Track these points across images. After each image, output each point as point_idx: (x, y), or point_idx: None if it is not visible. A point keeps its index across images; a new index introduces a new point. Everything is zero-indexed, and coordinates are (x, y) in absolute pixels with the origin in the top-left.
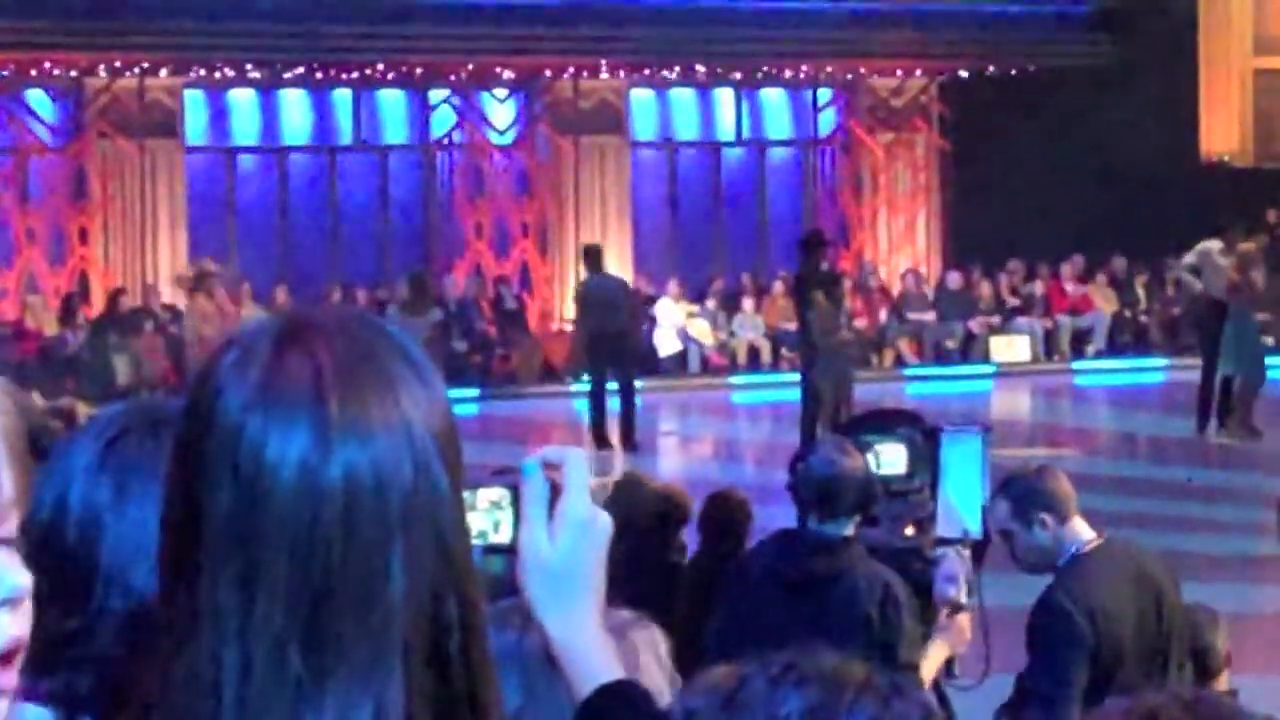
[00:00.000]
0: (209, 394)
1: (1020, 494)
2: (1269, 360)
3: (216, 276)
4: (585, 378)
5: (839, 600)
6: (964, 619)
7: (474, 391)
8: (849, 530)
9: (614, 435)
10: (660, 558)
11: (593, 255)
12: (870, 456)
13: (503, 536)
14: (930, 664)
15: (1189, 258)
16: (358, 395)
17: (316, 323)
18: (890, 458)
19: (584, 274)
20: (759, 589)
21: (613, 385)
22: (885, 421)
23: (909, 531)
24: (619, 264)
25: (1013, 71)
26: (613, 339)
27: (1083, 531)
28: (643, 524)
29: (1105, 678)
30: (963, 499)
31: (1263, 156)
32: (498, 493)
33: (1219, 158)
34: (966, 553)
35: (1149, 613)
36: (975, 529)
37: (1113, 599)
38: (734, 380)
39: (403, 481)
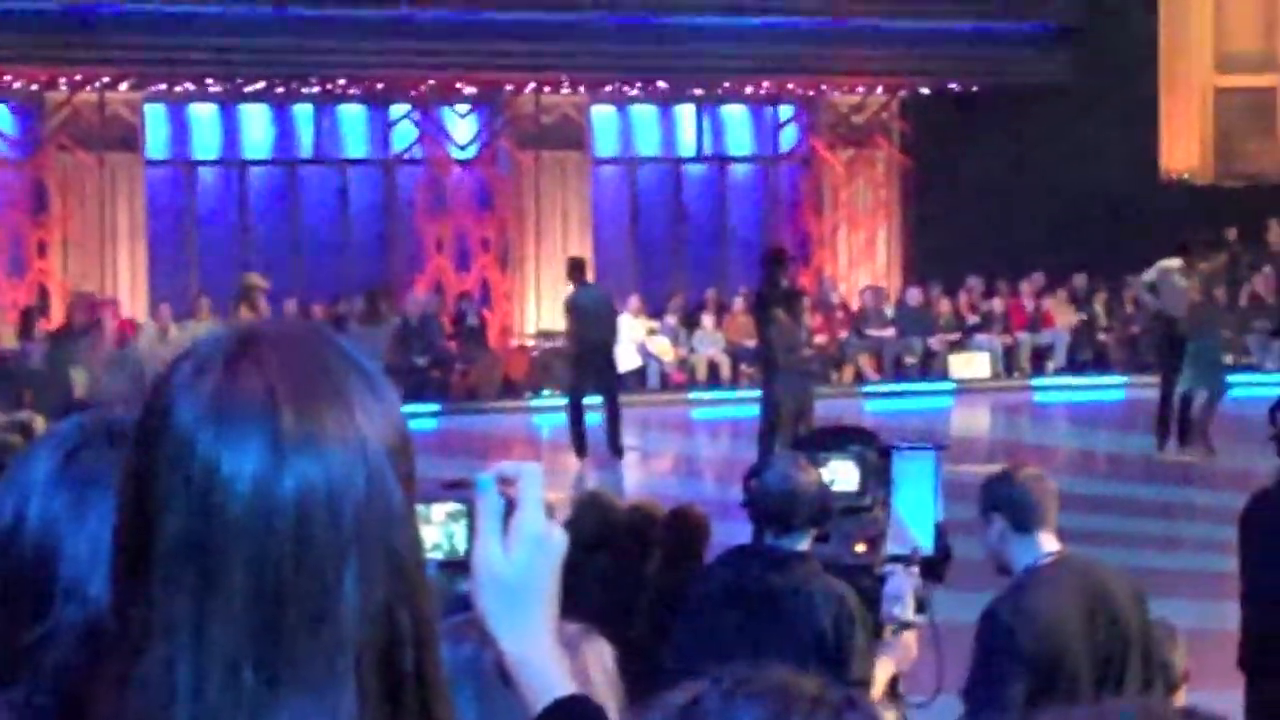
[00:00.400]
0: (162, 407)
1: (987, 490)
2: (1229, 378)
3: (260, 290)
4: (567, 388)
5: (795, 614)
6: (910, 636)
7: (434, 406)
8: (804, 545)
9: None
10: (638, 572)
11: (577, 267)
12: (823, 473)
13: (458, 551)
14: (877, 680)
15: (1148, 275)
16: (311, 409)
17: (269, 336)
18: (842, 475)
19: (570, 286)
20: (716, 604)
21: (594, 398)
22: (838, 439)
23: (860, 548)
24: None
25: (974, 89)
26: (602, 349)
27: (1045, 545)
28: (619, 539)
29: (1054, 692)
30: (914, 516)
31: (1223, 174)
32: (453, 506)
33: (1180, 175)
34: (915, 570)
35: (1102, 629)
36: (926, 546)
37: (1059, 613)
38: (694, 396)
39: (356, 495)
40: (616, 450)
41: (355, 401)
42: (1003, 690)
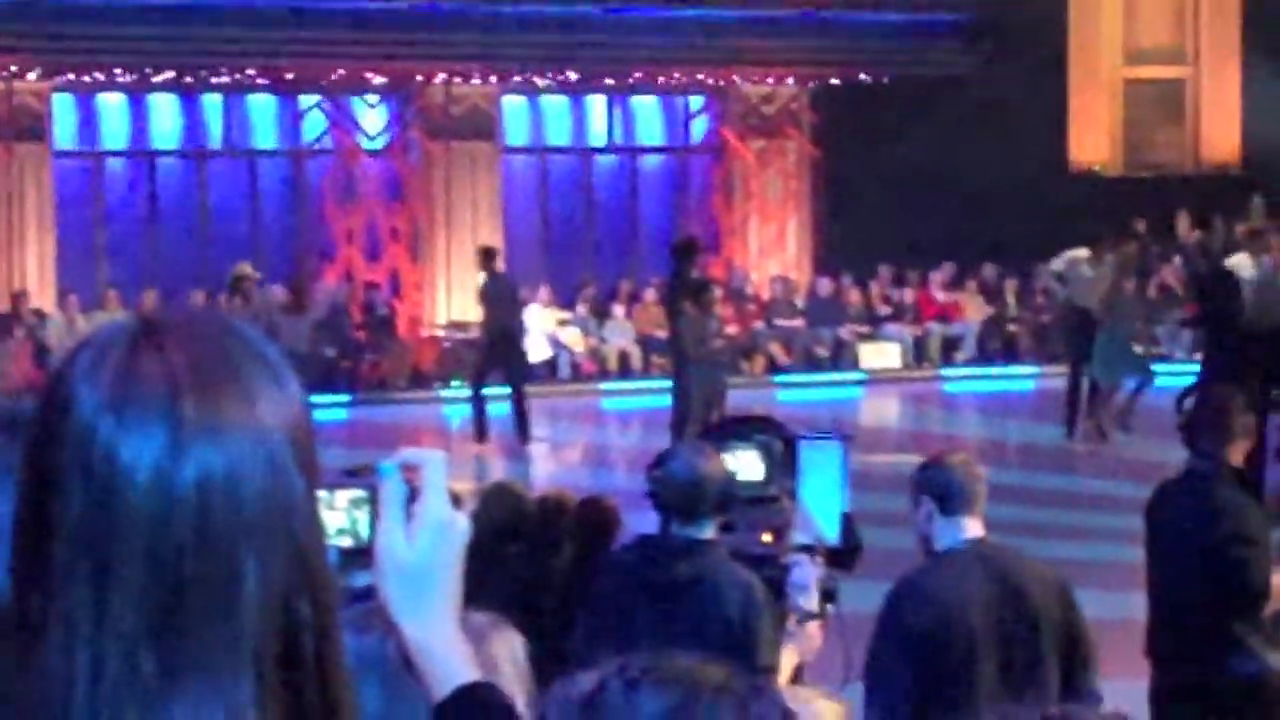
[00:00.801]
0: (62, 395)
1: (920, 475)
2: (1153, 367)
3: (251, 280)
4: (472, 375)
5: (701, 603)
6: (813, 627)
7: (344, 397)
8: (710, 533)
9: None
10: (548, 563)
11: (487, 255)
12: (730, 464)
13: (361, 537)
14: (782, 670)
15: (1056, 264)
16: (212, 397)
17: (171, 324)
18: (748, 465)
19: (481, 275)
20: (621, 593)
21: (501, 389)
22: (744, 429)
23: (766, 538)
24: None
25: (884, 80)
26: (510, 338)
27: (968, 530)
28: (529, 529)
29: (957, 672)
30: (820, 506)
31: (1132, 166)
32: (356, 493)
33: (1089, 167)
34: (820, 560)
35: (1008, 615)
36: (832, 536)
37: (954, 594)
38: (605, 386)
39: (257, 484)
40: (524, 438)
41: (257, 389)
42: (891, 666)
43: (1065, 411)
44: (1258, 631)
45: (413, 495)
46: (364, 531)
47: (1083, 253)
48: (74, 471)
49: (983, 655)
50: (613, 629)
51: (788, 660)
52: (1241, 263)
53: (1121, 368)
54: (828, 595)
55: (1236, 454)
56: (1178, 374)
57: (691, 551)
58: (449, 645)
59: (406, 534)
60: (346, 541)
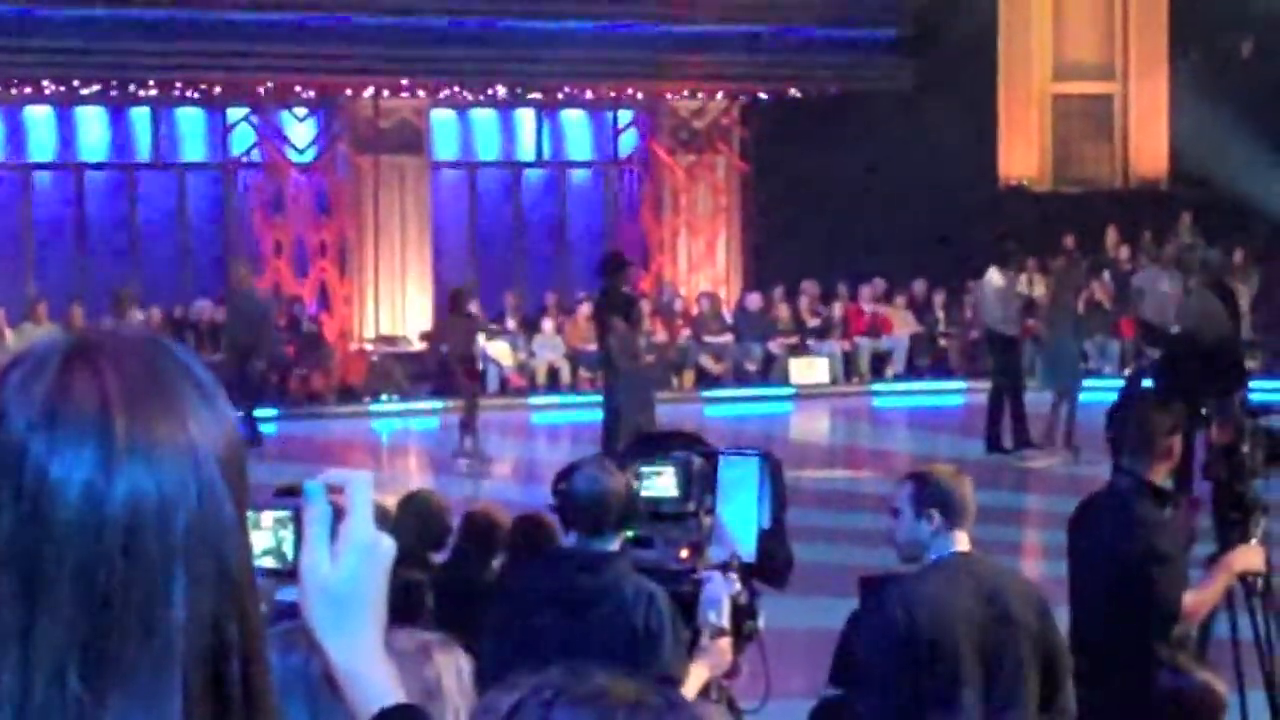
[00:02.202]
0: None
1: (927, 484)
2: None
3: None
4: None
5: (606, 615)
6: (724, 643)
7: (271, 411)
8: (614, 545)
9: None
10: (477, 577)
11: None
12: (649, 479)
13: (286, 558)
14: (690, 685)
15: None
16: (144, 417)
17: (104, 343)
18: (664, 481)
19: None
20: (527, 608)
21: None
22: (664, 444)
23: (684, 554)
24: (418, 284)
25: (813, 94)
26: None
27: (958, 543)
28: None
29: (946, 678)
30: (737, 522)
31: (1061, 181)
32: (282, 513)
33: (1018, 181)
34: (734, 575)
35: (990, 624)
36: (748, 552)
37: (946, 604)
38: (534, 401)
39: (187, 506)
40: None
41: (188, 410)
42: (872, 669)
43: (987, 427)
44: (1172, 648)
45: (338, 515)
46: (289, 551)
47: (993, 272)
48: (3, 489)
49: (966, 655)
50: (519, 644)
51: (697, 676)
52: (1157, 277)
53: (1065, 380)
54: (747, 612)
55: (1160, 472)
56: (1108, 389)
57: (595, 564)
58: (373, 666)
59: (331, 555)
60: (270, 562)
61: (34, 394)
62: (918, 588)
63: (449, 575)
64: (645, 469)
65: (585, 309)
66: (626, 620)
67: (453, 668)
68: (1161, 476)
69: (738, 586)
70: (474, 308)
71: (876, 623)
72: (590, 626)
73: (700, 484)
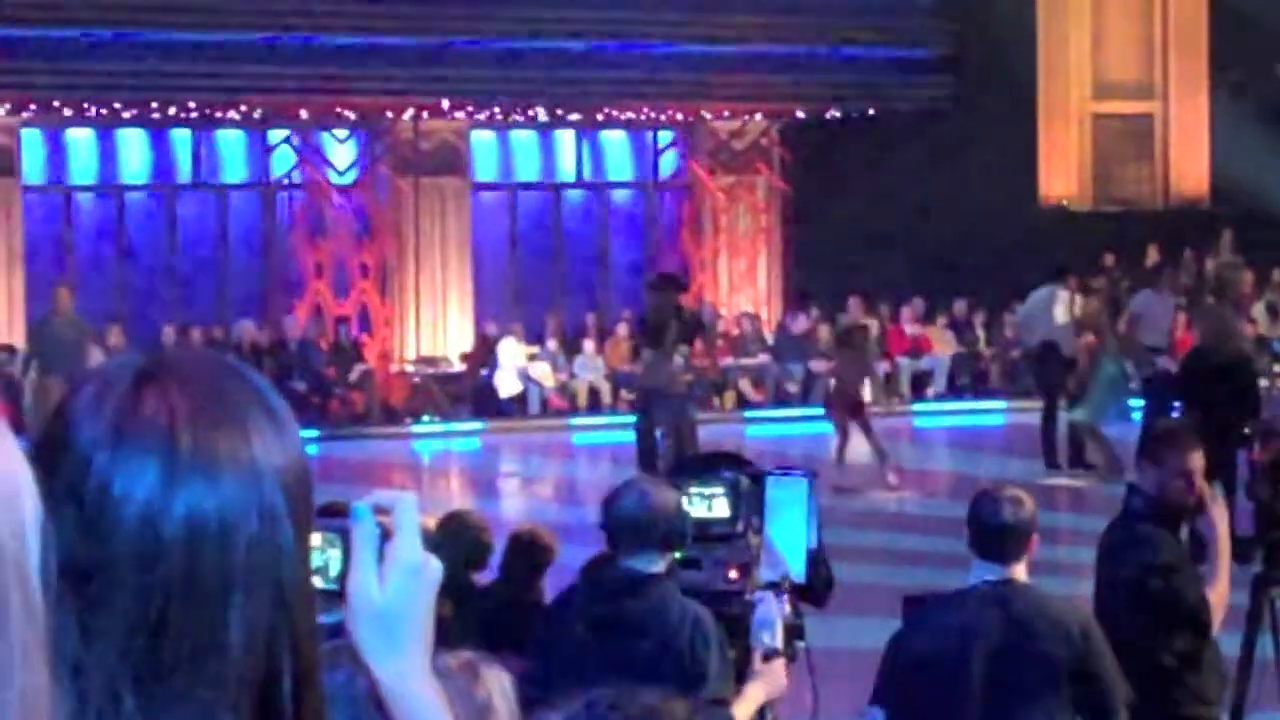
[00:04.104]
0: (62, 428)
1: (971, 509)
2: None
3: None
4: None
5: (649, 637)
6: (779, 665)
7: (313, 432)
8: (659, 566)
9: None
10: (523, 598)
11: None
12: (697, 500)
13: (332, 578)
14: (746, 707)
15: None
16: (208, 437)
17: (174, 362)
18: (714, 502)
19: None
20: (570, 629)
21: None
22: (711, 465)
23: (733, 575)
24: (459, 305)
25: (853, 115)
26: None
27: (983, 572)
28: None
29: (948, 703)
30: (786, 542)
31: (1101, 200)
32: (330, 534)
33: (1058, 201)
34: (785, 596)
35: (1008, 658)
36: (798, 572)
37: (963, 631)
38: (574, 422)
39: (248, 530)
40: None
41: (253, 431)
42: (880, 693)
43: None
44: (1187, 666)
45: (385, 537)
46: (335, 571)
47: (1056, 289)
48: (67, 503)
49: (979, 691)
50: (564, 664)
51: (753, 698)
52: (1152, 300)
53: (1108, 402)
54: (795, 632)
55: (1175, 489)
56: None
57: (640, 586)
58: (420, 688)
59: (378, 576)
60: (318, 582)
61: (103, 412)
62: (940, 613)
63: (496, 595)
64: (693, 490)
65: (623, 329)
66: (671, 644)
67: (499, 685)
68: (1177, 494)
69: (789, 608)
70: (514, 329)
71: (897, 642)
72: (635, 649)
73: (748, 504)
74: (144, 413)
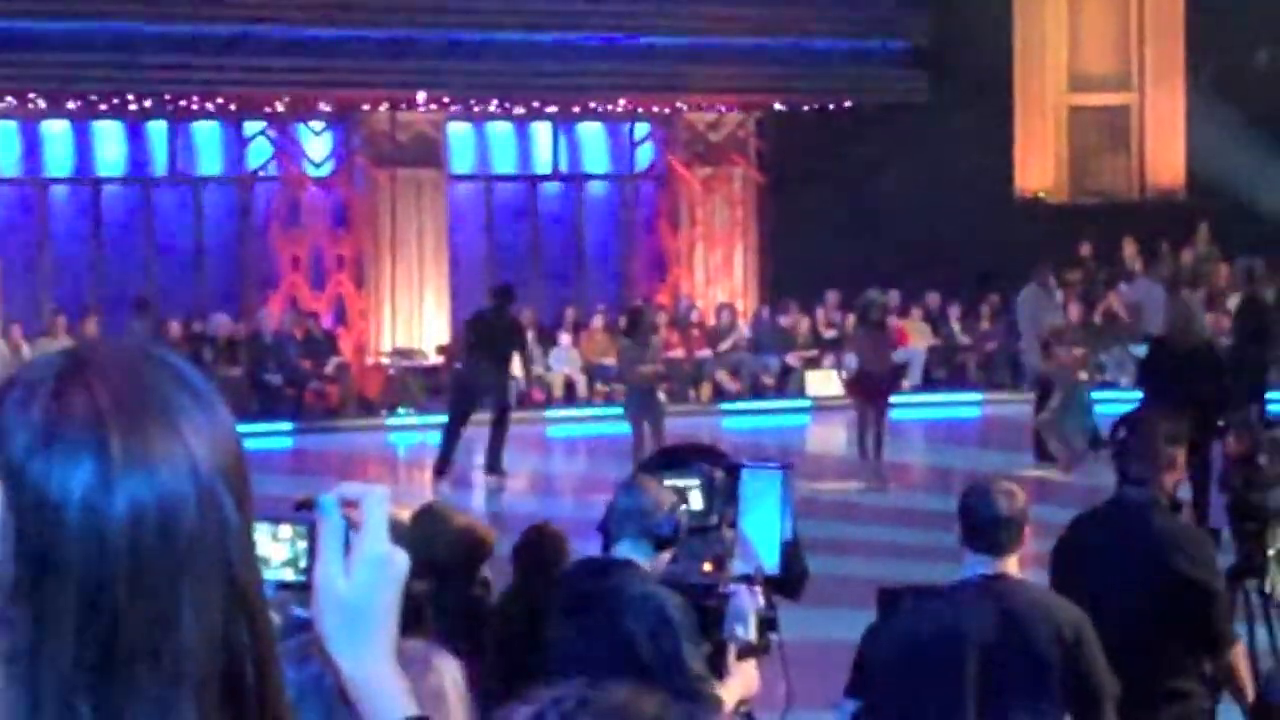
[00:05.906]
0: None
1: (961, 501)
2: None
3: None
4: (453, 408)
5: (608, 620)
6: (751, 665)
7: (287, 425)
8: (630, 554)
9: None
10: (464, 594)
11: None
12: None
13: (302, 570)
14: (727, 697)
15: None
16: (139, 430)
17: (96, 359)
18: (688, 494)
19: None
20: (534, 616)
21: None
22: (684, 458)
23: (707, 567)
24: (435, 298)
25: (830, 107)
26: (499, 370)
27: (976, 566)
28: (446, 560)
29: (938, 697)
30: (760, 535)
31: (1077, 192)
32: (300, 526)
33: (1034, 194)
34: (759, 589)
35: (998, 653)
36: (772, 565)
37: (954, 624)
38: (549, 414)
39: (188, 515)
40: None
41: (184, 421)
42: (853, 689)
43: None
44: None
45: (352, 529)
46: (305, 563)
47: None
48: (6, 510)
49: (969, 686)
50: (529, 652)
51: (729, 697)
52: (1150, 288)
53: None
54: (768, 624)
55: (1167, 483)
56: (1125, 401)
57: (604, 570)
58: (386, 679)
59: (344, 569)
60: (289, 574)
61: (30, 416)
62: (931, 605)
63: (515, 596)
64: (668, 482)
65: (600, 321)
66: (628, 625)
67: (451, 675)
68: (1169, 487)
69: (762, 600)
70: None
71: (885, 634)
72: (591, 629)
73: (722, 497)
74: (71, 412)
